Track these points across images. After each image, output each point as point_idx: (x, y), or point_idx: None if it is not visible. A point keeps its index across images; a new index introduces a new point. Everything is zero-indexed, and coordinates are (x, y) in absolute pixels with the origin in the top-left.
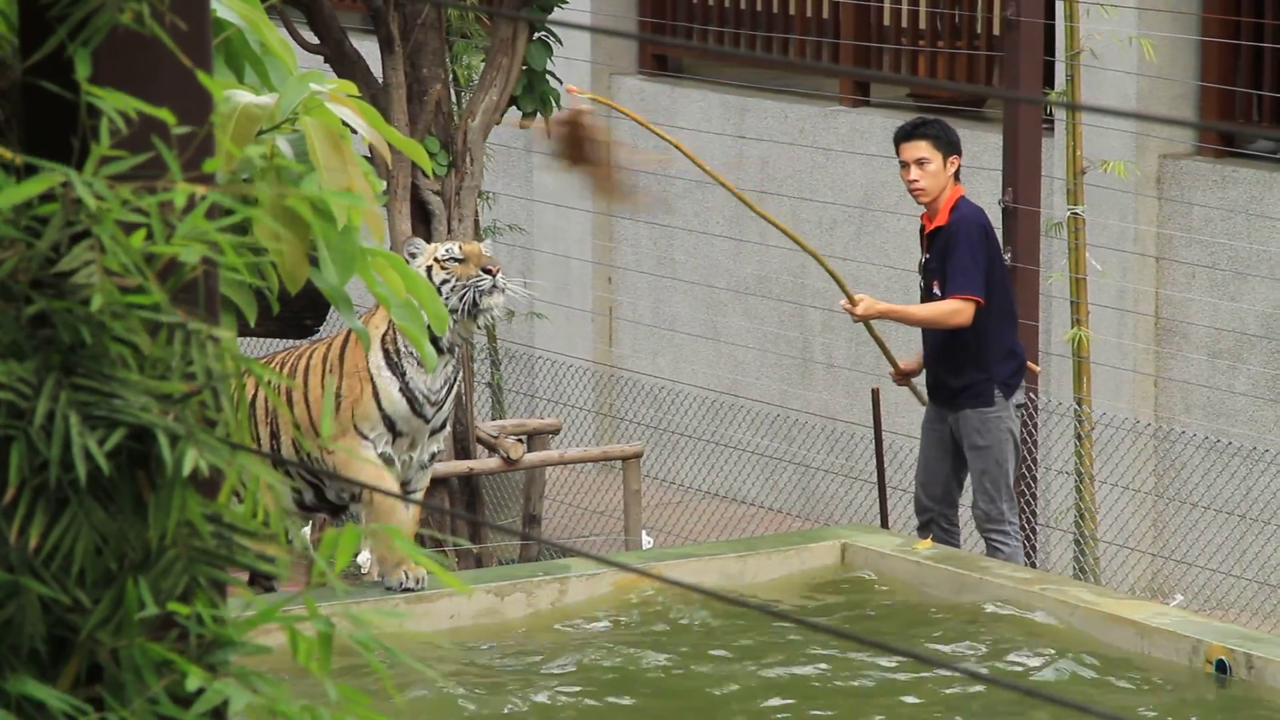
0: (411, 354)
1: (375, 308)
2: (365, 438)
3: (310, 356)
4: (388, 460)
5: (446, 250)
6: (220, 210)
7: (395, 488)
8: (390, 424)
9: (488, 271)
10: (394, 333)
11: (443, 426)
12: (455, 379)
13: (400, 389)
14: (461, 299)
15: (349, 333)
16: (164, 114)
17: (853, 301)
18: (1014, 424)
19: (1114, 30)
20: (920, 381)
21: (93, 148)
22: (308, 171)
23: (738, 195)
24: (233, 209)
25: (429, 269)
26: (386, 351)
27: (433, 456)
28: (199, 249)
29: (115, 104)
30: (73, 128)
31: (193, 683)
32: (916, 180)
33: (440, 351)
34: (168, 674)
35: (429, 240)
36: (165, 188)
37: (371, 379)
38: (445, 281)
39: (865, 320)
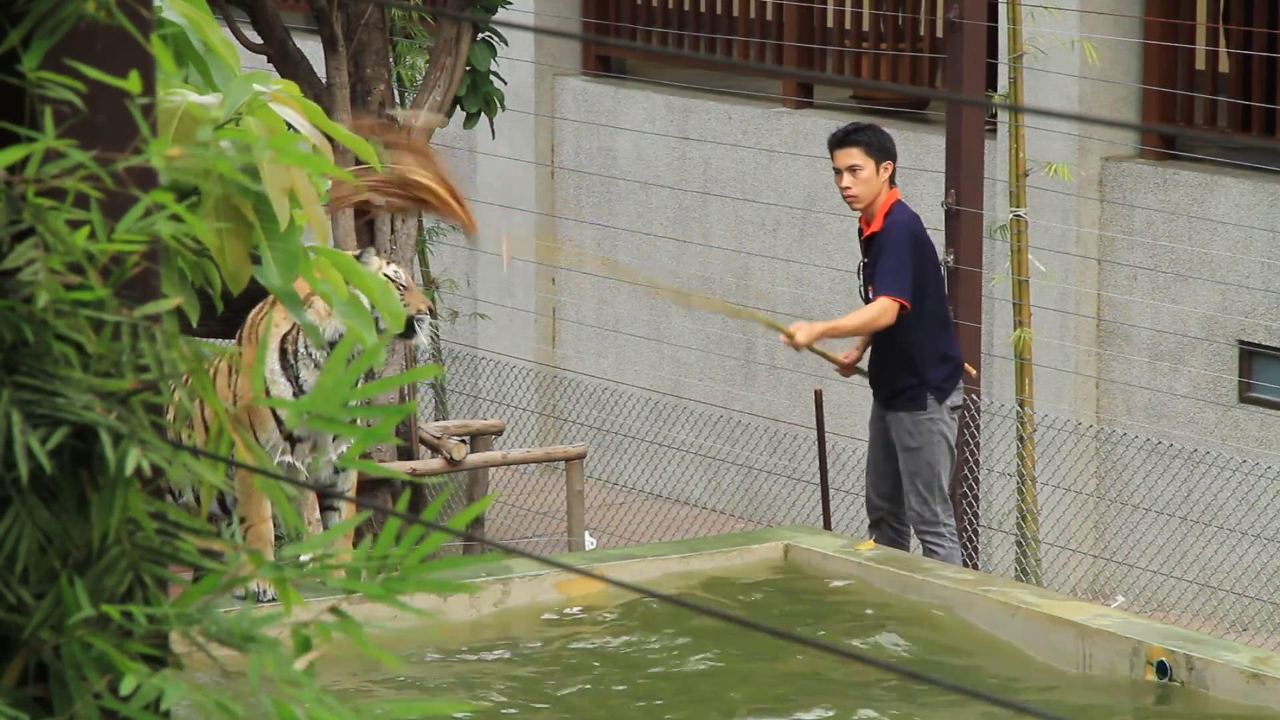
0: (310, 356)
1: (272, 303)
2: (260, 446)
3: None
4: (290, 468)
5: (395, 272)
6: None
7: (266, 505)
8: (286, 431)
9: (430, 312)
10: (295, 334)
11: None
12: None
13: (295, 394)
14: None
15: (240, 331)
16: (132, 82)
17: (789, 335)
18: (948, 428)
19: (1056, 33)
20: (865, 363)
21: (39, 139)
22: (252, 173)
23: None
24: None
25: None
26: (284, 353)
27: None
28: (162, 223)
29: (70, 83)
30: (19, 119)
31: (129, 683)
32: (849, 187)
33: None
34: (111, 669)
35: (372, 243)
36: (136, 150)
37: (266, 384)
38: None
39: (809, 347)
